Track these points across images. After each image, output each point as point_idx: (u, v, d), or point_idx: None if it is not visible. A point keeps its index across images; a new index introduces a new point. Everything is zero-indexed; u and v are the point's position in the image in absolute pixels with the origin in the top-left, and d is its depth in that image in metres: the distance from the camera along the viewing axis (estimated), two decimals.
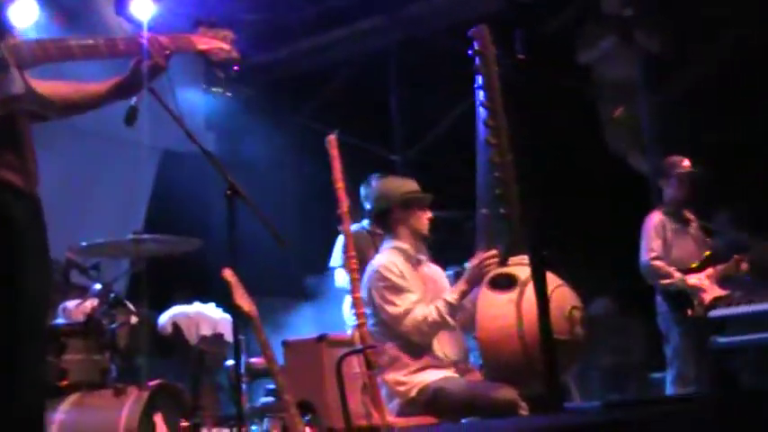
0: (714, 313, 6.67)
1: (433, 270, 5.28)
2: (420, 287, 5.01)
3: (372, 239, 6.62)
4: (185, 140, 4.66)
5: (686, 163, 7.05)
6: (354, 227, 6.48)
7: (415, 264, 5.10)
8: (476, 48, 4.96)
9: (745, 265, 6.95)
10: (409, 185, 5.17)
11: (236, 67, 3.71)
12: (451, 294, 4.82)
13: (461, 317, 4.91)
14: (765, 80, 8.18)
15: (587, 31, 8.82)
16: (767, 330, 7.23)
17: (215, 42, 3.61)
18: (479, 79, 4.96)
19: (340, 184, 5.00)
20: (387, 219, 5.17)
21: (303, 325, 7.33)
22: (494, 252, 4.78)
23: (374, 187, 5.31)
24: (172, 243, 5.92)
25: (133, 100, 4.18)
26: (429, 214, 5.18)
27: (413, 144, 10.23)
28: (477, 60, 4.95)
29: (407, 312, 4.82)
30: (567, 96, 8.78)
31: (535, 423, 3.10)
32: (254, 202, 4.87)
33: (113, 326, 5.45)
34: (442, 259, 5.58)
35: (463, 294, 4.81)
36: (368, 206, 6.96)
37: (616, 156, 8.85)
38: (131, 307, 5.74)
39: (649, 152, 8.74)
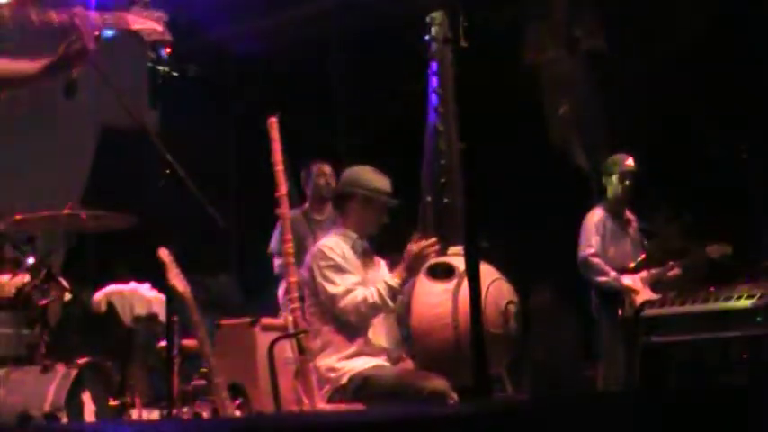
0: (647, 312, 6.72)
1: (377, 261, 5.26)
2: (362, 273, 4.98)
3: (310, 225, 6.60)
4: (127, 117, 4.61)
5: (629, 161, 7.09)
6: (293, 212, 6.46)
7: (360, 254, 5.07)
8: (431, 33, 4.95)
9: (676, 271, 7.02)
10: (381, 183, 5.09)
11: (167, 50, 3.67)
12: (392, 278, 4.81)
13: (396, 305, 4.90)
14: (704, 81, 8.26)
15: (533, 36, 8.84)
16: (698, 331, 7.32)
17: (149, 23, 3.57)
18: (433, 65, 4.96)
19: (279, 167, 4.97)
20: (344, 204, 5.12)
21: (238, 308, 7.28)
22: (434, 240, 4.77)
23: (351, 169, 5.24)
24: (108, 219, 5.85)
25: (73, 73, 4.11)
26: (384, 219, 5.12)
27: (357, 130, 10.20)
28: (432, 47, 4.94)
29: (347, 292, 4.80)
30: (511, 90, 8.78)
31: (454, 410, 3.10)
32: (193, 181, 4.83)
33: (45, 301, 5.37)
34: (382, 247, 5.56)
35: (404, 280, 4.79)
36: (308, 191, 6.97)
37: (559, 151, 8.87)
38: (65, 283, 5.67)
39: (592, 149, 8.79)
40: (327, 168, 6.92)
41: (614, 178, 7.11)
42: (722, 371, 7.59)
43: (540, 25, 8.83)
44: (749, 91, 8.10)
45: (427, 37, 4.98)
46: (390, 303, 4.80)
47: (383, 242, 5.47)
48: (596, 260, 6.91)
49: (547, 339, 9.47)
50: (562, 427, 2.96)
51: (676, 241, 7.38)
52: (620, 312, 6.82)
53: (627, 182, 7.07)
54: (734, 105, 8.19)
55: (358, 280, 4.89)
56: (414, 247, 4.79)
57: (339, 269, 4.87)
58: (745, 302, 6.35)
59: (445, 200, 4.82)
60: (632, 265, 7.02)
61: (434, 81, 4.94)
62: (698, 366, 7.96)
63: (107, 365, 5.40)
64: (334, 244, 4.97)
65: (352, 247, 5.02)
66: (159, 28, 3.58)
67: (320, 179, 6.90)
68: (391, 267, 5.09)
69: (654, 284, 6.98)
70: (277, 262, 6.80)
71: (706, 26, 8.39)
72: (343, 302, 4.80)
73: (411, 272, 4.80)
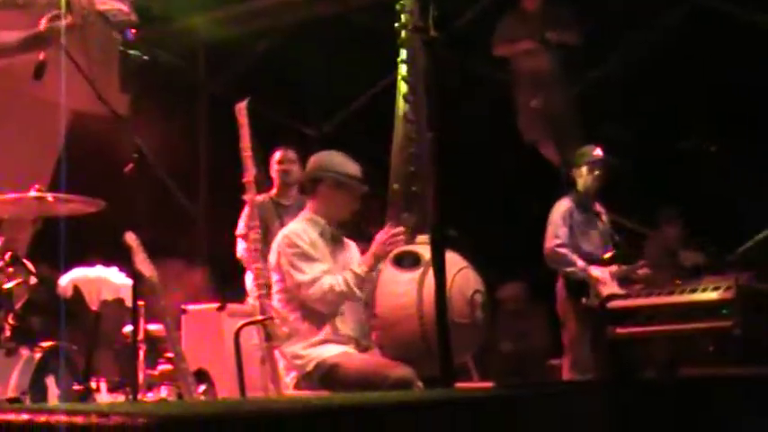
0: (613, 304, 6.75)
1: (348, 246, 5.24)
2: (330, 260, 4.96)
3: (277, 210, 6.59)
4: (97, 101, 4.60)
5: (598, 152, 7.09)
6: (261, 197, 6.45)
7: (329, 239, 5.05)
8: (401, 21, 4.95)
9: (645, 271, 7.04)
10: (352, 168, 5.07)
11: (133, 30, 3.66)
12: (360, 267, 4.80)
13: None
14: (674, 75, 8.31)
15: (505, 27, 8.84)
16: (663, 323, 7.37)
17: (115, 3, 3.55)
18: (403, 53, 4.95)
19: (247, 153, 4.97)
20: (313, 188, 5.09)
21: (205, 293, 7.26)
22: (401, 229, 4.77)
23: (320, 153, 5.22)
24: (75, 203, 5.81)
25: (42, 55, 4.10)
26: (357, 205, 5.10)
27: (329, 118, 10.19)
28: (402, 34, 4.94)
29: (315, 281, 4.78)
30: (481, 81, 8.81)
31: (417, 397, 3.11)
32: (162, 167, 4.82)
33: (10, 284, 5.33)
34: (351, 234, 5.56)
35: (371, 267, 4.79)
36: (274, 177, 6.95)
37: (529, 144, 8.89)
38: (30, 266, 5.63)
39: (562, 142, 8.81)
40: (293, 154, 6.91)
41: (584, 169, 7.09)
42: (687, 363, 7.65)
43: (512, 17, 8.83)
44: (723, 85, 8.16)
45: (397, 24, 4.97)
46: (358, 292, 4.80)
47: (352, 230, 5.47)
48: (563, 251, 6.91)
49: (515, 330, 9.52)
50: (527, 416, 2.98)
51: (674, 243, 7.39)
52: (583, 301, 6.82)
53: (596, 171, 7.06)
54: (707, 99, 8.24)
55: (326, 268, 4.87)
56: (381, 235, 4.79)
57: (307, 257, 4.85)
58: (710, 295, 6.39)
59: (413, 188, 4.82)
60: (605, 256, 7.02)
61: (404, 69, 4.93)
62: (663, 359, 8.03)
63: (72, 350, 5.37)
64: (302, 230, 4.94)
65: (321, 234, 5.00)
66: (125, 8, 3.57)
67: (286, 165, 6.89)
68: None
69: (622, 280, 6.99)
70: (241, 246, 6.79)
71: (680, 20, 8.44)
72: (311, 291, 4.79)
73: (379, 260, 4.79)
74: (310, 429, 2.15)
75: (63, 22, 3.33)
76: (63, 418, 1.80)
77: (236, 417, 1.99)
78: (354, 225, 5.35)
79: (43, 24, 3.36)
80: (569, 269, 6.90)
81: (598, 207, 7.24)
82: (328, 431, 2.21)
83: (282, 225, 5.74)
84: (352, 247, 5.24)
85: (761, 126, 7.89)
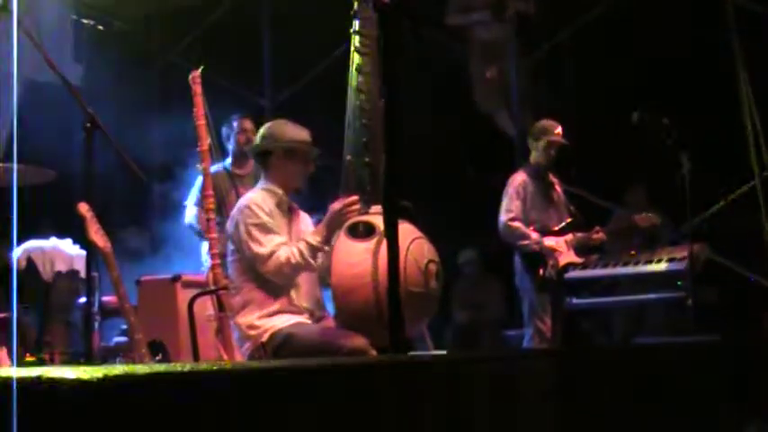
0: (570, 275, 6.79)
1: (302, 218, 5.23)
2: (285, 232, 4.95)
3: (233, 181, 6.57)
4: (49, 70, 4.56)
5: (559, 130, 7.08)
6: (215, 167, 6.42)
7: (286, 210, 5.04)
8: None
9: (600, 235, 7.08)
10: (299, 134, 5.04)
11: None
12: (314, 237, 4.78)
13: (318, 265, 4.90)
14: (631, 47, 8.34)
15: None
16: (621, 294, 7.45)
17: None
18: (356, 24, 4.93)
19: (201, 122, 4.94)
20: (266, 160, 5.07)
21: (159, 263, 7.24)
22: (355, 198, 4.76)
23: (267, 125, 5.19)
24: (26, 173, 5.75)
25: None
26: (311, 168, 5.08)
27: (283, 88, 10.16)
28: (355, 4, 4.91)
29: (272, 254, 4.76)
30: (437, 51, 8.79)
31: (367, 361, 3.11)
32: (114, 136, 4.78)
33: None
34: (305, 205, 5.55)
35: (325, 238, 4.78)
36: (229, 146, 6.93)
37: (485, 115, 8.90)
38: None
39: (517, 113, 8.84)
40: (249, 123, 6.87)
41: (541, 144, 7.10)
42: (643, 333, 7.74)
43: None
44: (675, 57, 8.21)
45: None
46: (312, 263, 4.79)
47: (306, 200, 5.46)
48: (515, 224, 6.92)
49: (471, 301, 9.59)
50: (480, 383, 3.00)
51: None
52: (541, 272, 6.85)
53: (552, 151, 7.09)
54: (660, 72, 8.28)
55: (283, 240, 4.86)
56: (335, 205, 4.78)
57: (265, 228, 4.83)
58: (664, 266, 6.45)
59: (366, 159, 4.81)
60: (556, 228, 7.05)
61: (357, 40, 4.91)
62: (619, 328, 8.12)
63: (24, 321, 5.34)
64: (262, 201, 4.92)
65: (278, 204, 4.99)
66: None
67: (241, 135, 6.86)
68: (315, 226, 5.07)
69: (578, 248, 7.03)
70: (191, 212, 6.76)
71: None
72: (268, 264, 4.78)
73: (333, 230, 4.79)
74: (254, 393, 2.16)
75: None
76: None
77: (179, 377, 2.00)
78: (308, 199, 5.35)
79: None
80: (523, 242, 6.91)
81: (552, 178, 7.25)
82: (275, 396, 2.22)
83: (238, 196, 5.71)
84: (306, 218, 5.23)
85: (711, 97, 7.96)
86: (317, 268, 4.89)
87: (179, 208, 7.10)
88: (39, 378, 1.78)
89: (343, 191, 4.88)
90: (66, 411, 1.76)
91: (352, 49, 4.93)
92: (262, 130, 5.13)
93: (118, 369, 1.92)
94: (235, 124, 6.87)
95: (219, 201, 6.26)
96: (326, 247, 4.82)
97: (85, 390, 1.77)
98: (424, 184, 7.44)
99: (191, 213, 6.78)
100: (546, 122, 7.17)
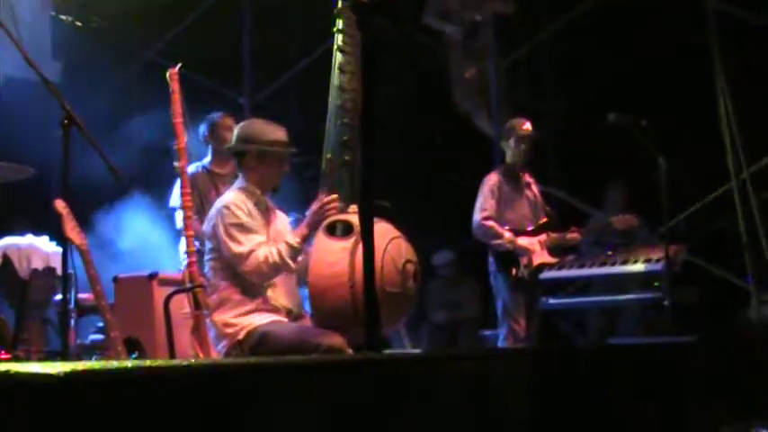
0: (546, 275, 6.81)
1: (279, 217, 5.23)
2: (265, 231, 4.95)
3: (213, 180, 6.54)
4: (27, 66, 4.54)
5: (527, 126, 7.10)
6: (194, 165, 6.40)
7: (263, 210, 5.04)
8: None
9: (575, 236, 7.09)
10: (275, 134, 5.03)
11: None
12: (293, 237, 4.79)
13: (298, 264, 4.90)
14: (610, 47, 8.37)
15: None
16: (596, 294, 7.48)
17: None
18: (339, 23, 4.93)
19: (178, 119, 4.93)
20: (242, 161, 5.07)
21: (137, 261, 7.20)
22: (334, 197, 4.76)
23: (241, 125, 5.18)
24: (4, 170, 5.73)
25: None
26: (286, 168, 5.08)
27: (263, 87, 10.14)
28: (337, 3, 4.92)
29: (251, 253, 4.76)
30: (417, 52, 8.81)
31: (341, 359, 3.11)
32: (92, 134, 4.77)
33: None
34: (284, 205, 5.55)
35: (304, 238, 4.78)
36: (210, 145, 6.90)
37: (464, 114, 8.90)
38: None
39: (496, 114, 8.86)
40: (230, 121, 6.82)
41: (511, 142, 7.12)
42: (618, 334, 7.77)
43: None
44: (655, 57, 8.24)
45: None
46: (291, 264, 4.80)
47: (286, 199, 5.46)
48: (489, 223, 6.91)
49: (447, 301, 9.60)
50: (457, 381, 3.00)
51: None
52: (514, 272, 6.86)
53: (523, 146, 7.10)
54: (639, 73, 8.32)
55: (262, 240, 4.86)
56: (315, 204, 4.79)
57: (244, 228, 4.83)
58: (640, 266, 6.48)
59: (346, 157, 4.81)
60: (531, 228, 7.07)
61: (340, 39, 4.91)
62: (595, 329, 8.15)
63: (1, 318, 5.32)
64: (241, 201, 4.91)
65: (256, 204, 4.99)
66: None
67: (223, 133, 6.81)
68: (296, 227, 5.07)
69: (553, 248, 7.04)
70: (179, 217, 6.74)
71: None
72: (246, 263, 4.78)
73: (313, 229, 4.79)
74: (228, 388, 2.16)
75: None
76: None
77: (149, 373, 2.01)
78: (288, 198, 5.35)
79: None
80: (496, 241, 6.91)
81: (527, 177, 7.26)
82: (254, 392, 2.22)
83: (219, 194, 5.70)
84: (283, 217, 5.24)
85: (690, 99, 7.99)
86: (296, 268, 4.90)
87: (158, 208, 7.07)
88: (6, 372, 1.77)
89: (323, 189, 4.88)
90: (34, 407, 1.76)
91: (335, 47, 4.93)
92: (236, 130, 5.13)
93: (84, 365, 1.91)
94: (216, 122, 6.81)
95: (201, 201, 6.25)
96: (307, 247, 4.83)
97: (52, 385, 1.76)
98: (402, 182, 7.45)
99: (180, 217, 6.74)
100: (513, 120, 7.19)
